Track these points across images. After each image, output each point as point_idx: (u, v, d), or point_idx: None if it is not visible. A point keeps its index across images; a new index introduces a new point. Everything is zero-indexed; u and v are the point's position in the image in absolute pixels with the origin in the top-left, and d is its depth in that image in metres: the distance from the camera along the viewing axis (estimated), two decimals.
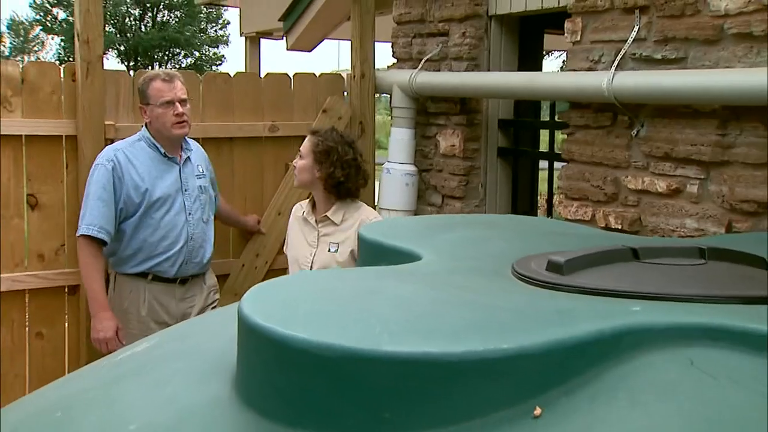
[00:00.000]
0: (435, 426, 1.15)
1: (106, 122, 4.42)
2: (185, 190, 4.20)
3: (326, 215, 4.07)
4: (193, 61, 42.96)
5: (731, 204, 3.34)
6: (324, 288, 1.49)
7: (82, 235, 4.01)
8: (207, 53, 44.26)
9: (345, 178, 4.00)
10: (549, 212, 5.36)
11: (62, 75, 4.51)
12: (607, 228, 3.77)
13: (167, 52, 43.48)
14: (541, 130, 5.23)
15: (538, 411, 1.16)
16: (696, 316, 1.30)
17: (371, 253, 1.96)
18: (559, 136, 4.40)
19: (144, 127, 4.19)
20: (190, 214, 4.21)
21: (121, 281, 4.20)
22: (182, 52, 43.73)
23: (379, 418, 1.17)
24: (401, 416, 1.16)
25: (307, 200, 4.22)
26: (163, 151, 4.14)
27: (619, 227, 3.73)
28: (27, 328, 4.50)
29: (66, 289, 4.49)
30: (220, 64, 42.56)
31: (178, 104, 4.07)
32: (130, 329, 4.10)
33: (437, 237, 2.01)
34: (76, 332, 4.54)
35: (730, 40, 3.33)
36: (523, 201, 4.95)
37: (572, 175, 4.06)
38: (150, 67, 36.72)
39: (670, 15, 3.52)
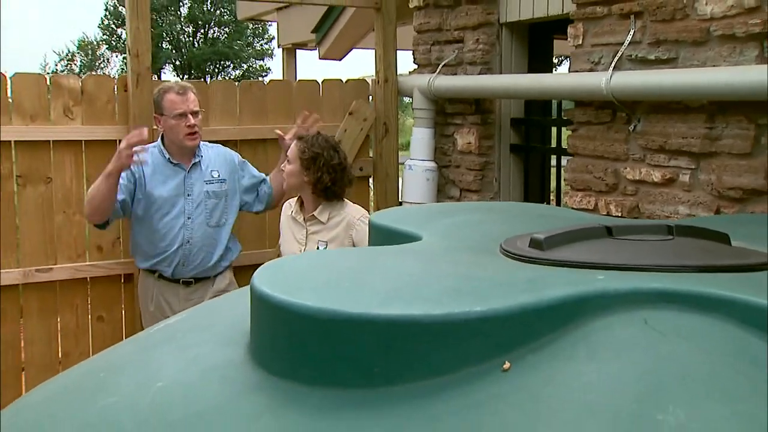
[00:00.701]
0: (417, 379, 1.19)
1: (154, 127, 4.48)
2: (188, 195, 4.12)
3: (313, 215, 3.95)
4: (241, 73, 43.12)
5: (719, 191, 3.35)
6: (326, 263, 1.54)
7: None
8: (254, 65, 44.38)
9: (332, 182, 3.89)
10: (558, 203, 5.38)
11: (116, 86, 4.61)
12: (608, 215, 3.80)
13: (217, 65, 43.70)
14: (551, 127, 5.26)
15: (507, 365, 1.19)
16: (654, 282, 1.32)
17: (380, 237, 1.99)
18: (566, 132, 4.42)
19: (160, 137, 4.18)
20: (189, 218, 4.12)
21: (141, 276, 4.26)
22: (231, 65, 43.92)
23: (370, 372, 1.21)
24: (388, 371, 1.20)
25: (295, 199, 4.12)
26: (167, 157, 4.10)
27: (619, 214, 3.75)
28: (89, 313, 4.65)
29: (122, 278, 4.62)
30: (265, 75, 42.67)
31: (190, 116, 4.02)
32: (146, 321, 4.19)
33: (439, 221, 2.04)
34: (132, 315, 4.66)
35: (715, 41, 3.33)
36: (534, 193, 4.96)
37: (576, 167, 4.08)
38: (203, 79, 36.93)
39: (662, 19, 3.53)
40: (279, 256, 4.18)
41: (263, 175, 4.43)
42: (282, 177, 4.12)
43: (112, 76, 4.69)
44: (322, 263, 1.55)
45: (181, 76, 40.69)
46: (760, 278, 1.39)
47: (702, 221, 2.40)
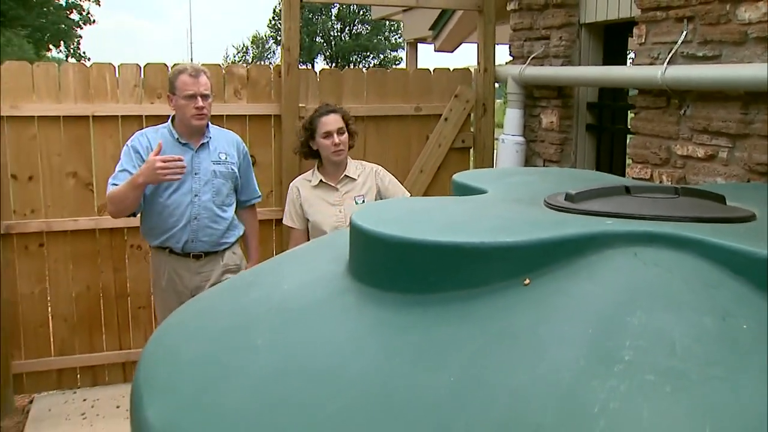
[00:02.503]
0: (460, 288, 1.31)
1: (300, 104, 4.63)
2: (195, 173, 3.59)
3: (346, 174, 3.69)
4: (378, 62, 43.36)
5: (749, 166, 3.31)
6: (406, 206, 1.70)
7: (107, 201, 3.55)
8: (389, 56, 44.52)
9: (355, 137, 3.76)
10: (623, 173, 5.35)
11: (272, 73, 4.77)
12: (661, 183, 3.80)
13: (360, 56, 44.03)
14: (620, 110, 5.23)
15: (527, 281, 1.31)
16: (647, 227, 1.41)
17: (458, 191, 2.08)
18: (630, 114, 4.40)
19: (170, 118, 3.70)
20: (196, 195, 3.59)
21: (153, 253, 3.75)
22: (371, 55, 44.18)
23: (426, 281, 1.34)
24: (439, 281, 1.33)
25: (311, 173, 3.79)
26: (176, 136, 3.61)
27: (669, 183, 3.75)
28: (245, 252, 4.81)
29: (273, 222, 4.74)
30: (398, 64, 42.77)
31: (199, 98, 3.53)
32: (156, 296, 3.79)
33: (504, 180, 2.14)
34: (280, 251, 4.83)
35: (752, 42, 3.27)
36: (604, 164, 4.91)
37: (637, 144, 4.06)
38: (347, 66, 37.24)
39: (709, 23, 3.47)
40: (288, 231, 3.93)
41: (256, 194, 4.00)
42: (251, 232, 3.91)
43: (268, 65, 4.85)
44: (403, 206, 1.71)
45: (330, 65, 41.26)
46: (735, 228, 1.48)
47: (722, 187, 2.43)
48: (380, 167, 3.81)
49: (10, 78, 4.28)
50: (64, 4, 30.33)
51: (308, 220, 3.72)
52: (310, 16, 42.74)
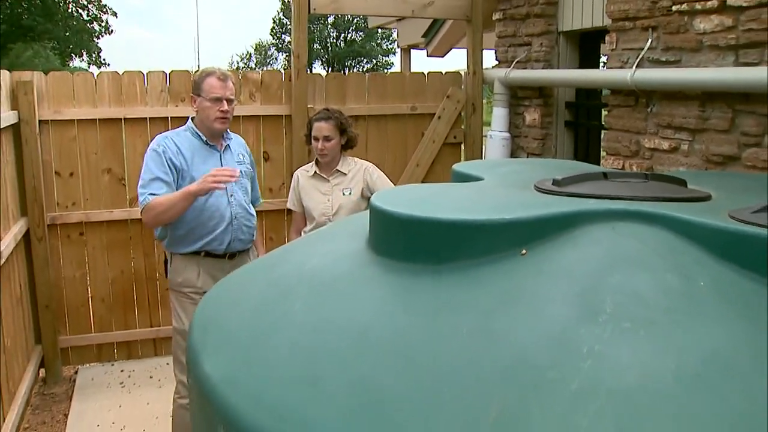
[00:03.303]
0: (467, 258, 1.40)
1: (309, 106, 4.72)
2: None
3: (337, 169, 3.72)
4: (371, 66, 43.29)
5: (707, 157, 3.41)
6: (416, 192, 1.80)
7: (144, 210, 3.17)
8: (381, 61, 44.45)
9: (349, 140, 3.74)
10: (598, 165, 5.43)
11: (283, 77, 4.85)
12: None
13: (354, 61, 43.91)
14: (594, 108, 5.30)
15: (524, 252, 1.40)
16: (622, 206, 1.51)
17: (458, 179, 2.15)
18: (604, 112, 4.49)
19: (189, 119, 3.41)
20: (232, 196, 3.36)
21: (177, 260, 3.35)
22: (364, 60, 44.09)
23: (438, 254, 1.43)
24: (449, 253, 1.42)
25: (311, 165, 3.81)
26: (204, 139, 3.34)
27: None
28: (264, 235, 4.87)
29: (285, 211, 4.78)
30: (389, 68, 42.73)
31: (225, 102, 3.28)
32: (183, 300, 3.34)
33: (498, 169, 2.22)
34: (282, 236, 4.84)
35: (707, 49, 3.37)
36: (581, 157, 4.95)
37: (610, 138, 4.15)
38: (343, 71, 37.25)
39: (670, 32, 3.57)
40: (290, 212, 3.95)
41: (259, 197, 3.82)
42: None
43: (280, 71, 4.92)
44: (414, 191, 1.82)
45: (327, 70, 41.18)
46: (695, 206, 1.59)
47: (684, 174, 2.54)
48: (371, 164, 3.85)
49: (54, 86, 4.38)
50: (85, 17, 30.22)
51: (303, 205, 3.79)
52: (308, 24, 42.68)
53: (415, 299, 1.38)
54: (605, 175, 1.87)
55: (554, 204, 1.56)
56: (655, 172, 2.37)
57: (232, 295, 1.77)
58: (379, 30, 35.85)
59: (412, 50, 10.07)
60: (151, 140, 3.34)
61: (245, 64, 46.98)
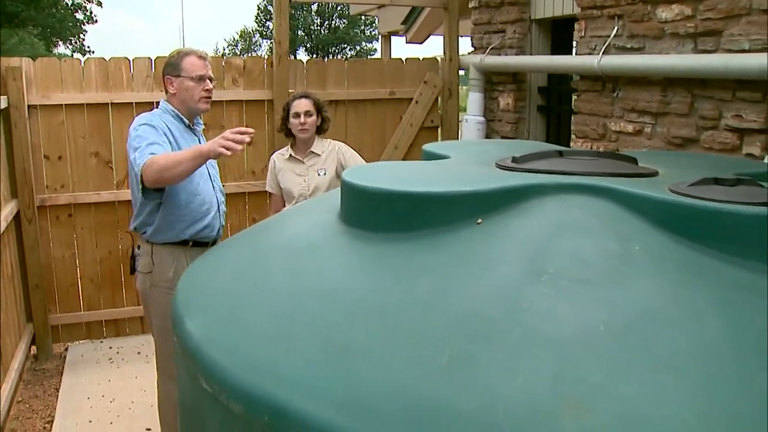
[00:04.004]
0: (429, 227, 1.51)
1: (290, 91, 4.78)
2: None
3: (312, 150, 3.80)
4: (354, 53, 43.17)
5: (668, 139, 3.53)
6: (384, 168, 1.91)
7: (144, 165, 2.71)
8: (364, 47, 44.34)
9: (327, 120, 3.84)
10: (568, 147, 5.53)
11: (265, 63, 4.91)
12: None
13: (338, 47, 43.77)
14: (565, 93, 5.40)
15: (480, 221, 1.51)
16: (572, 180, 1.62)
17: (427, 158, 2.24)
18: (574, 97, 4.59)
19: (162, 102, 3.10)
20: (213, 180, 3.18)
21: (163, 253, 3.00)
22: (348, 47, 43.96)
23: (402, 223, 1.54)
24: (413, 221, 1.53)
25: (287, 148, 3.88)
26: (187, 122, 3.08)
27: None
28: (247, 215, 4.97)
29: (267, 193, 4.83)
30: (373, 54, 42.62)
31: (208, 81, 3.05)
32: (171, 291, 2.54)
33: (465, 149, 2.31)
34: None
35: (668, 36, 3.48)
36: (552, 140, 5.07)
37: (578, 122, 4.26)
38: (326, 58, 37.07)
39: (635, 20, 3.67)
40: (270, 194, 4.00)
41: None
42: None
43: (262, 57, 4.98)
44: (382, 167, 1.92)
45: (311, 56, 41.04)
46: (639, 180, 1.70)
47: (644, 153, 2.66)
48: (343, 144, 3.91)
49: (42, 72, 4.42)
50: (70, 5, 29.90)
51: (281, 187, 3.86)
52: (292, 11, 42.45)
53: (380, 264, 1.49)
54: (560, 153, 1.98)
55: (510, 178, 1.67)
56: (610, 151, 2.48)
57: (214, 262, 1.87)
58: (363, 17, 35.79)
59: (392, 37, 10.13)
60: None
61: (231, 50, 46.71)
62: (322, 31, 44.37)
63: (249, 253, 1.78)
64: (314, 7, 42.99)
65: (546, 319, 1.22)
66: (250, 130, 2.70)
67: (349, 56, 41.57)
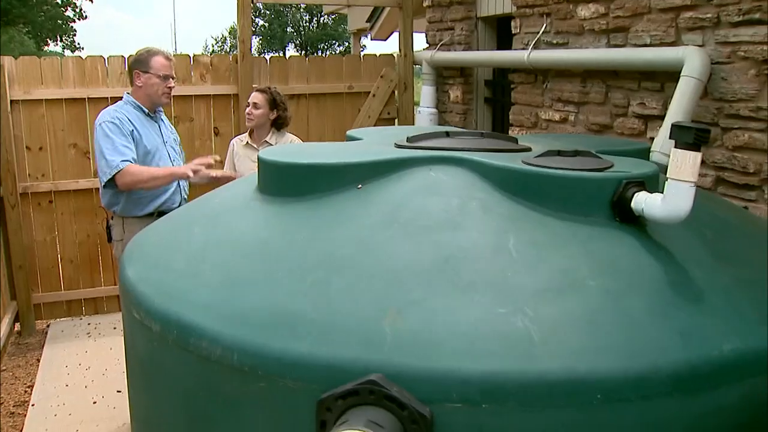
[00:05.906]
0: (320, 192, 1.83)
1: (254, 86, 5.10)
2: (165, 142, 3.63)
3: (266, 140, 4.04)
4: (344, 49, 43.30)
5: (588, 126, 3.87)
6: (296, 148, 2.25)
7: (118, 172, 3.31)
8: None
9: (281, 117, 4.07)
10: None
11: (231, 60, 5.18)
12: None
13: (326, 44, 43.87)
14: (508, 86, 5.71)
15: (360, 186, 1.85)
16: (443, 154, 1.96)
17: (348, 140, 2.60)
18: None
19: (125, 95, 3.60)
20: (174, 161, 3.63)
21: (133, 224, 3.43)
22: (336, 43, 44.06)
23: (301, 190, 1.86)
24: (308, 188, 1.85)
25: (246, 134, 4.14)
26: (146, 111, 3.57)
27: None
28: None
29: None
30: (362, 50, 42.71)
31: (171, 80, 3.57)
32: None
33: (379, 133, 2.63)
34: None
35: (588, 33, 3.79)
36: (498, 129, 5.34)
37: (515, 112, 4.59)
38: (315, 54, 37.25)
39: (560, 18, 3.98)
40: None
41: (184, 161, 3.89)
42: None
43: (227, 54, 5.28)
44: (297, 147, 2.27)
45: (300, 52, 41.17)
46: (507, 155, 2.03)
47: (548, 137, 2.99)
48: (297, 138, 4.18)
49: (23, 69, 4.75)
50: (60, 2, 30.03)
51: (236, 171, 4.09)
52: (281, 9, 42.59)
53: (275, 221, 1.84)
54: (447, 134, 2.31)
55: (391, 153, 2.01)
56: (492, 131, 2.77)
57: (155, 226, 2.23)
58: (335, 15, 35.89)
59: (361, 34, 10.42)
60: (97, 117, 3.50)
61: (220, 47, 46.75)
62: (311, 27, 44.54)
63: (182, 218, 2.14)
64: (303, 4, 43.15)
65: (388, 255, 1.57)
66: (215, 157, 3.52)
67: (337, 52, 41.73)
